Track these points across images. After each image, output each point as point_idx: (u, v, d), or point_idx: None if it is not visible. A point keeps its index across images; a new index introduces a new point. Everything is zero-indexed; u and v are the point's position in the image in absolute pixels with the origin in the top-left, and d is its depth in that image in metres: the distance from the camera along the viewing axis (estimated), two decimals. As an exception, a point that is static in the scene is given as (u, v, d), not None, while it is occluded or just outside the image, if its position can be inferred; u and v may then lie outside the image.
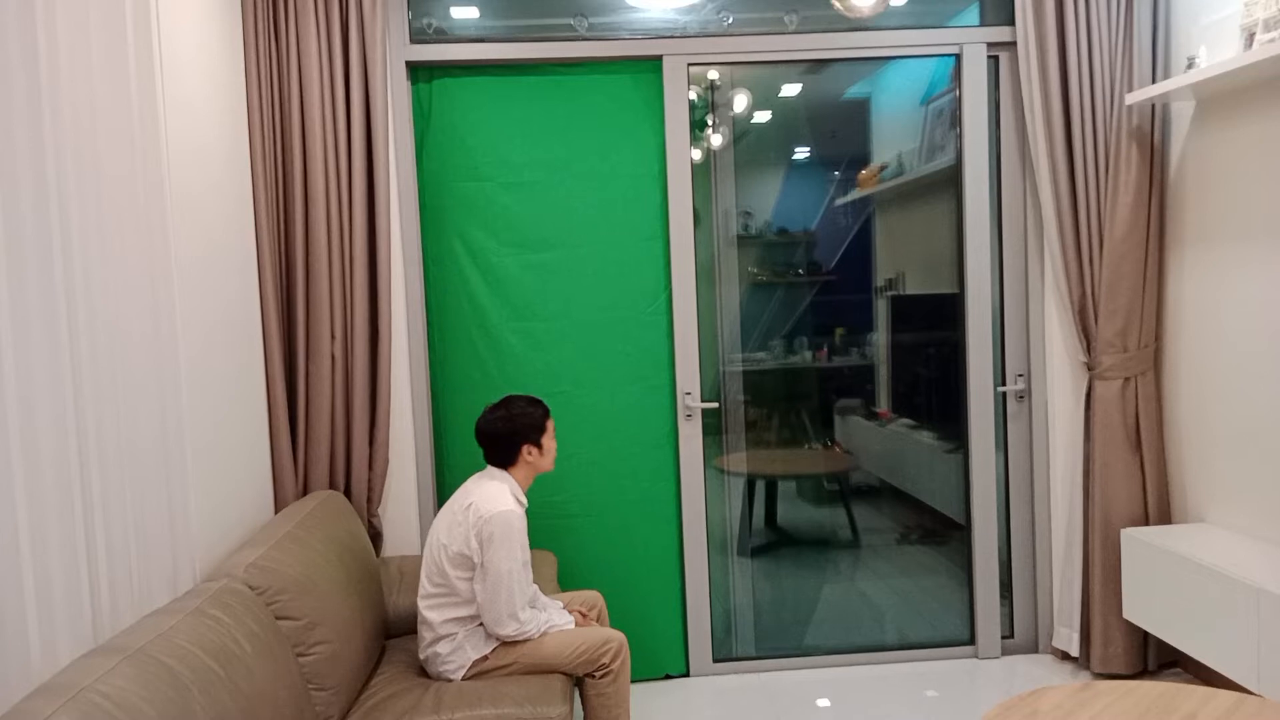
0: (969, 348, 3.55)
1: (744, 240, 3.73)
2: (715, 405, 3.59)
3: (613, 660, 2.67)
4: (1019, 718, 2.12)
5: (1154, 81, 3.24)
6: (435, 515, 3.08)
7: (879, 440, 3.97)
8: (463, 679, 2.61)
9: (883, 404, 3.96)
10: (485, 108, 3.37)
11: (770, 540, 3.90)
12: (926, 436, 3.90)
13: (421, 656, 2.69)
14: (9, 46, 1.71)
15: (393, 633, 2.99)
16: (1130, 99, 3.15)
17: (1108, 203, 3.25)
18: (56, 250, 1.80)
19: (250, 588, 2.21)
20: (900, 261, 3.91)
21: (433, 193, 3.39)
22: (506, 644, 2.64)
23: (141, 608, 2.06)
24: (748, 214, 3.76)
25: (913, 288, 3.87)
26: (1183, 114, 3.23)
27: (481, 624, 2.63)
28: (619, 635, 2.70)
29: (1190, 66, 2.98)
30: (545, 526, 3.45)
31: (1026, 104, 3.34)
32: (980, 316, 3.53)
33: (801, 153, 3.80)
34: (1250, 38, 2.79)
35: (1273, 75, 2.78)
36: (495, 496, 2.61)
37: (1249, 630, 2.64)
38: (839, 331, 3.90)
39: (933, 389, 3.87)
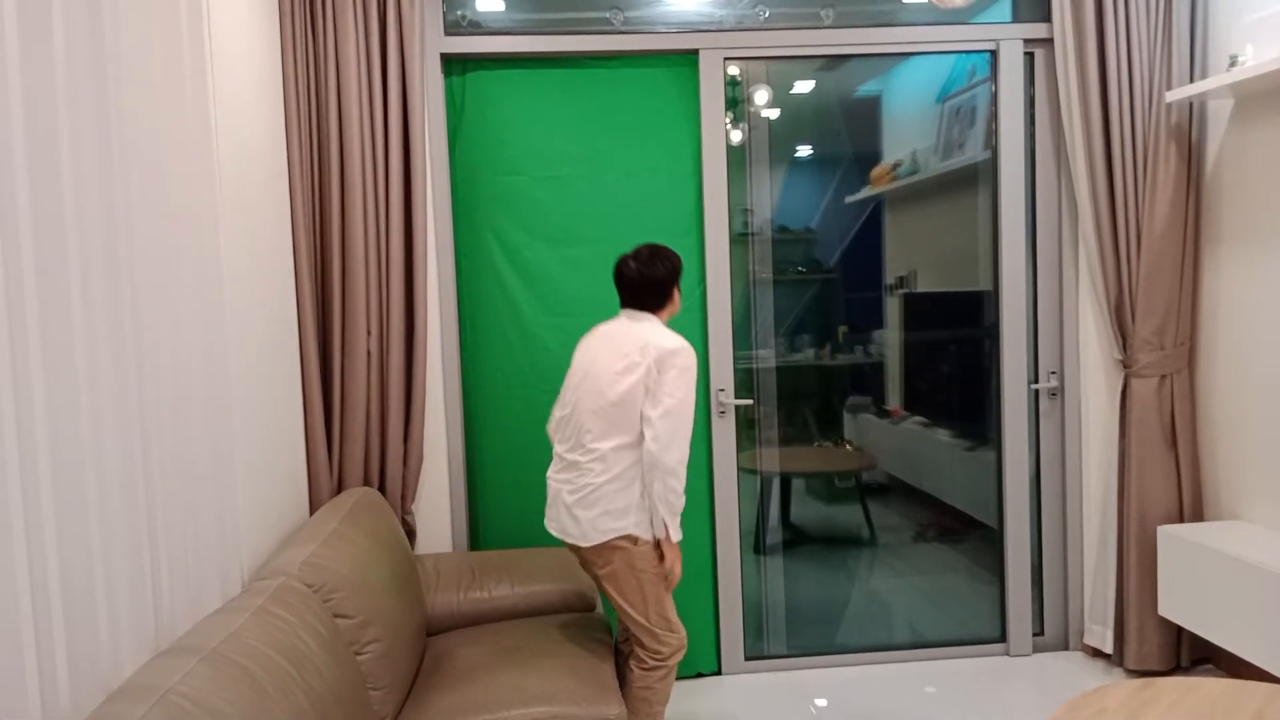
0: (1003, 344, 3.55)
1: (754, 237, 3.69)
2: (750, 402, 3.56)
3: (671, 655, 2.63)
4: (1086, 716, 2.11)
5: (1191, 78, 3.23)
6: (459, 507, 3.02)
7: (899, 438, 3.96)
8: (594, 545, 2.54)
9: (900, 401, 3.94)
10: (519, 101, 3.33)
11: (787, 538, 3.88)
12: (946, 434, 3.89)
13: (572, 497, 2.55)
14: (79, 49, 1.66)
15: (432, 630, 2.96)
16: (1171, 96, 3.15)
17: (1146, 199, 3.25)
18: (124, 274, 1.76)
19: (306, 585, 2.18)
20: (915, 259, 3.89)
21: (465, 187, 3.35)
22: (646, 546, 2.56)
23: (196, 609, 2.03)
24: (746, 211, 3.70)
25: (930, 285, 3.86)
26: (1219, 111, 3.23)
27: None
28: (684, 634, 2.67)
29: (1233, 64, 2.97)
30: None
31: (1063, 100, 3.34)
32: (1015, 313, 3.53)
33: (817, 149, 3.76)
34: (1297, 35, 2.79)
35: (1319, 73, 2.78)
36: (668, 334, 2.56)
37: (1297, 627, 2.64)
38: (843, 330, 3.87)
39: (955, 387, 3.86)
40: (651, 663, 2.64)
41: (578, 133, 3.36)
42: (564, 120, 3.35)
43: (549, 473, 2.69)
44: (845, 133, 3.80)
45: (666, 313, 2.70)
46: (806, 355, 3.73)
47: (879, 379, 3.94)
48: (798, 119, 3.66)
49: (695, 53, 3.35)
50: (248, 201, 2.57)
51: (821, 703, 3.29)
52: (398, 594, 2.57)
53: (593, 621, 2.91)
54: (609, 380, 2.54)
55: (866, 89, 3.90)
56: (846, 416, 3.95)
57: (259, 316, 2.63)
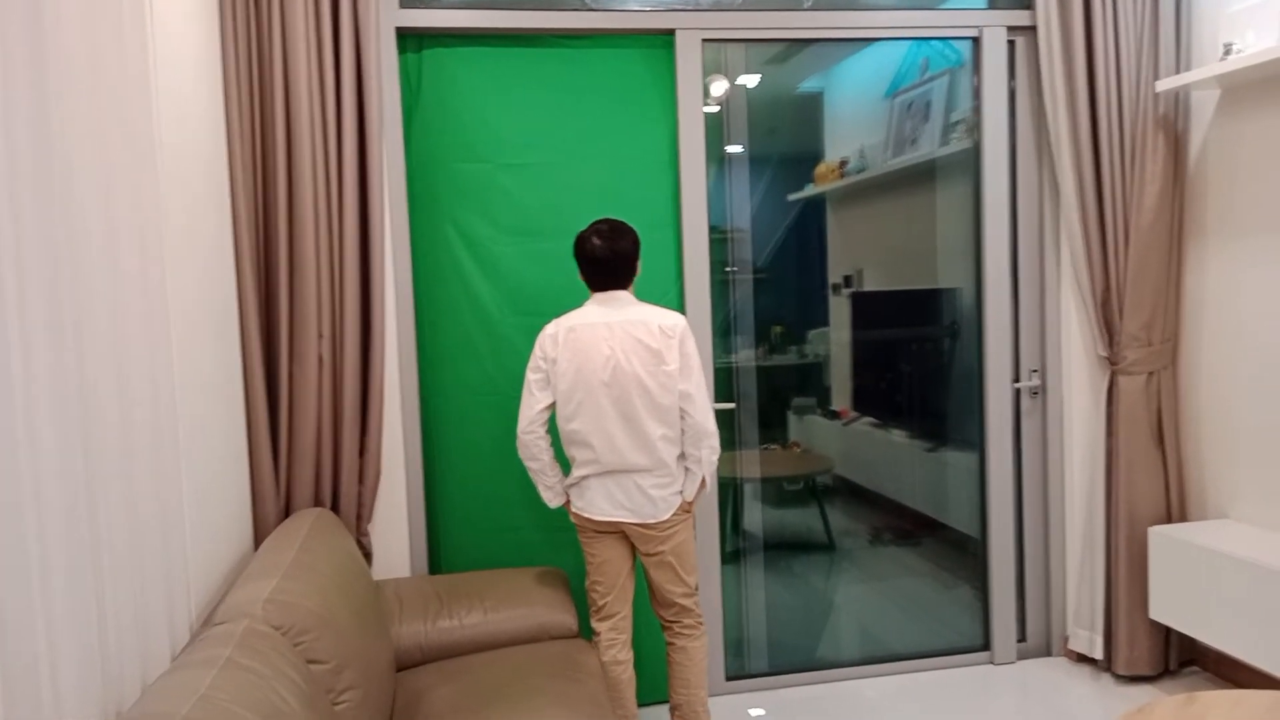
0: (986, 342, 3.43)
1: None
2: (731, 406, 3.36)
3: (700, 619, 2.82)
4: (1143, 739, 1.97)
5: (1178, 68, 3.17)
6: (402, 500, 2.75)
7: (850, 440, 3.79)
8: (666, 518, 2.67)
9: (849, 402, 3.79)
10: (481, 82, 3.06)
11: (742, 547, 3.66)
12: (903, 435, 3.76)
13: (650, 479, 2.64)
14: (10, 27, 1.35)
15: (398, 666, 2.66)
16: (1161, 86, 3.07)
17: (1134, 192, 3.16)
18: (65, 301, 1.44)
19: (273, 627, 1.87)
20: (862, 258, 3.76)
21: (422, 175, 3.06)
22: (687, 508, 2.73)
23: (146, 662, 1.71)
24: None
25: (878, 284, 3.72)
26: (1204, 102, 3.17)
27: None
28: None
29: (1227, 54, 2.90)
30: (547, 540, 3.17)
31: (1047, 90, 3.23)
32: (999, 310, 3.41)
33: (759, 146, 3.55)
34: (1296, 23, 2.72)
35: (1318, 62, 2.72)
36: (661, 310, 2.66)
37: (1311, 630, 2.57)
38: (778, 329, 3.69)
39: (913, 387, 3.74)
40: (700, 628, 2.81)
41: (546, 117, 3.10)
42: (531, 104, 3.09)
43: (589, 474, 2.67)
44: (786, 129, 3.63)
45: (632, 287, 2.72)
46: (749, 355, 3.53)
47: (826, 380, 3.78)
48: (738, 113, 3.45)
49: (671, 33, 3.13)
50: (189, 193, 2.25)
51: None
52: (366, 629, 2.27)
53: (579, 649, 2.65)
54: (649, 374, 2.59)
55: (809, 85, 3.75)
56: (792, 418, 3.78)
57: (201, 322, 2.30)
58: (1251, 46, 2.87)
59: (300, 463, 2.76)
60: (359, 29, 2.75)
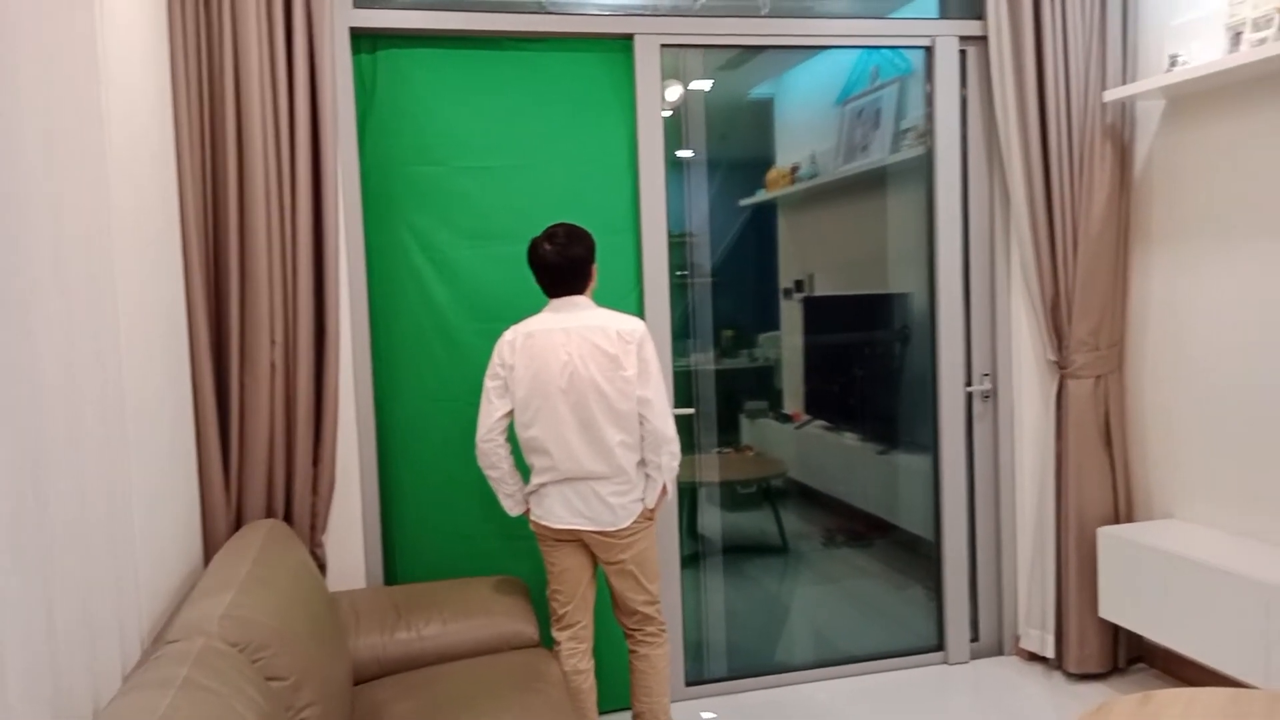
0: (939, 347, 3.47)
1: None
2: (691, 412, 3.35)
3: (662, 627, 2.81)
4: (1103, 739, 2.00)
5: (1124, 79, 3.24)
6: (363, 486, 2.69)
7: (802, 443, 3.82)
8: (627, 525, 2.64)
9: (801, 405, 3.81)
10: (438, 84, 3.01)
11: (697, 551, 3.64)
12: (856, 438, 3.80)
13: (609, 487, 2.61)
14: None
15: (355, 679, 2.60)
16: (1109, 96, 3.14)
17: (1082, 200, 3.23)
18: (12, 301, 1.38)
19: (230, 644, 1.81)
20: (814, 263, 3.79)
21: (376, 178, 3.00)
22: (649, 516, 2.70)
23: (98, 682, 1.65)
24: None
25: (829, 289, 3.76)
26: (1150, 113, 3.25)
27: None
28: None
29: (1173, 65, 2.98)
30: (506, 548, 3.13)
31: (998, 100, 3.29)
32: (951, 315, 3.46)
33: (710, 151, 3.54)
34: (1237, 37, 2.81)
35: (1258, 76, 2.81)
36: (618, 314, 2.64)
37: (1255, 626, 2.64)
38: (727, 333, 3.69)
39: (865, 390, 3.78)
40: (662, 635, 2.80)
41: (504, 120, 3.06)
42: (488, 107, 3.05)
43: (546, 481, 2.64)
44: (738, 135, 3.65)
45: (589, 292, 2.70)
46: (701, 359, 3.52)
47: (778, 384, 3.80)
48: (693, 118, 3.44)
49: (630, 38, 3.12)
50: (136, 193, 2.17)
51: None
52: (325, 644, 2.21)
53: (541, 658, 2.62)
54: (607, 380, 2.56)
55: (760, 92, 3.78)
56: (745, 422, 3.80)
57: (151, 328, 2.22)
58: (1197, 58, 2.95)
59: (252, 472, 2.68)
60: (312, 28, 2.69)
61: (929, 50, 3.39)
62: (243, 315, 2.66)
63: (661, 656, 2.79)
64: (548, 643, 2.82)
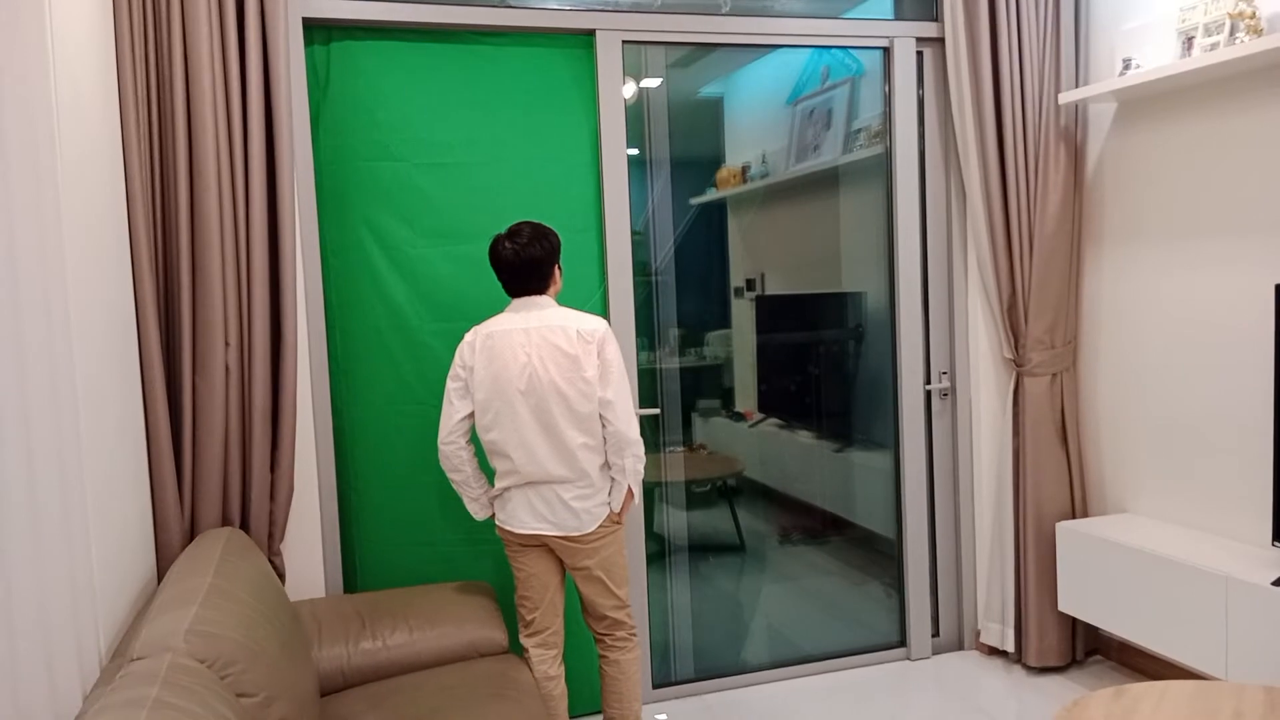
0: (899, 346, 3.50)
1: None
2: (656, 412, 3.32)
3: (632, 631, 2.76)
4: (1083, 731, 2.02)
5: (1077, 82, 3.31)
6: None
7: (756, 441, 3.81)
8: (593, 530, 2.60)
9: (754, 404, 3.81)
10: (396, 77, 2.93)
11: (658, 550, 3.61)
12: (810, 436, 3.81)
13: (571, 492, 2.57)
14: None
15: (321, 692, 2.51)
16: (1065, 98, 3.19)
17: (1038, 200, 3.28)
18: None
19: (198, 661, 1.72)
20: (764, 262, 3.80)
21: (331, 174, 2.91)
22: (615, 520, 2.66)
23: (58, 705, 1.55)
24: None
25: (780, 288, 3.76)
26: (1102, 115, 3.32)
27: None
28: None
29: (1126, 69, 3.04)
30: (471, 552, 3.06)
31: (954, 101, 3.33)
32: (911, 314, 3.49)
33: (653, 150, 3.51)
34: (1189, 42, 2.88)
35: (1209, 80, 2.88)
36: (580, 314, 2.59)
37: (1213, 617, 2.70)
38: (679, 332, 3.69)
39: (820, 389, 3.79)
40: (633, 640, 2.75)
41: (465, 116, 2.99)
42: (448, 101, 2.98)
43: (510, 485, 2.60)
44: (689, 133, 3.63)
45: (553, 292, 2.65)
46: (651, 358, 3.49)
47: (729, 382, 3.80)
48: (648, 115, 3.42)
49: (592, 34, 3.08)
50: (84, 187, 2.06)
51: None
52: (293, 657, 2.13)
53: (512, 665, 2.56)
54: (567, 382, 2.51)
55: (710, 90, 3.77)
56: (697, 420, 3.78)
57: (99, 332, 2.11)
58: (1149, 62, 3.01)
59: (206, 479, 2.57)
60: (265, 16, 2.59)
61: (887, 51, 3.42)
62: (195, 316, 2.56)
63: (632, 661, 2.75)
64: (517, 648, 2.76)
